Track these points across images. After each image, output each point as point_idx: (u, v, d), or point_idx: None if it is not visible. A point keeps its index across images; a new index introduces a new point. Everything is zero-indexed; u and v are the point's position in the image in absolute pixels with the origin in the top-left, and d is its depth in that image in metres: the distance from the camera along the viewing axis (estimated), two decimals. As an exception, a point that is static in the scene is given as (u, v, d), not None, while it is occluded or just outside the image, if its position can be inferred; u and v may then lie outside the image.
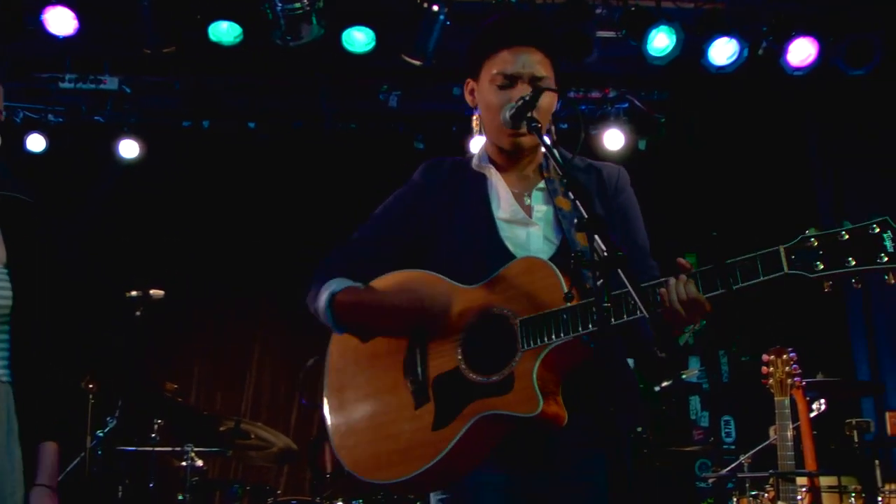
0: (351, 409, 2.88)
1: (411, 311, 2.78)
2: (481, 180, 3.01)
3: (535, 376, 2.58)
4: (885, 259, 2.37)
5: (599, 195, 2.97)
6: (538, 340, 2.62)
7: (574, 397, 2.67)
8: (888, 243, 2.37)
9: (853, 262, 2.40)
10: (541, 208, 2.93)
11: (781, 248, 2.45)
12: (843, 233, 2.42)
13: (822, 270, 2.42)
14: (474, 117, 3.10)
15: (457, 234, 2.92)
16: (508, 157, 2.99)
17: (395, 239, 3.02)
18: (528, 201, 2.95)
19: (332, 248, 3.09)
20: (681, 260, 2.53)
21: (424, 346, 2.81)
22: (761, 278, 2.45)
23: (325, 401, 2.94)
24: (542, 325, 2.63)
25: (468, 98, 3.06)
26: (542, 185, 2.97)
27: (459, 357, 2.73)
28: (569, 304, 2.59)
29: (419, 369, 2.79)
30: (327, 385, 2.96)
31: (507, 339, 2.67)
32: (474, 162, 3.05)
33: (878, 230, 2.39)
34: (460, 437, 2.64)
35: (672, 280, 2.53)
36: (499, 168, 3.01)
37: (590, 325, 2.56)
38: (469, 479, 2.73)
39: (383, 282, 2.91)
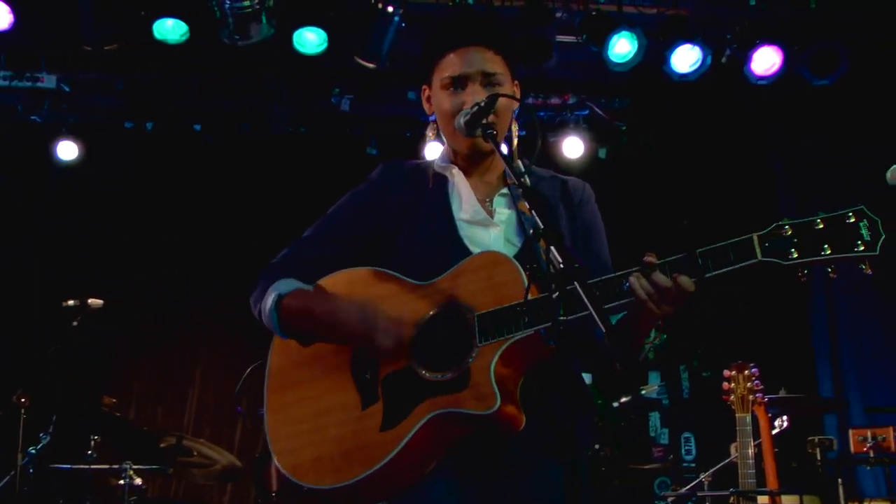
0: (292, 410, 2.81)
1: (360, 323, 2.71)
2: (442, 181, 3.02)
3: (492, 371, 2.55)
4: (862, 247, 2.41)
5: (564, 207, 2.99)
6: (496, 335, 2.59)
7: (531, 402, 2.64)
8: (864, 231, 2.41)
9: (828, 250, 2.44)
10: (503, 211, 2.94)
11: (755, 236, 2.49)
12: (818, 221, 2.46)
13: (797, 258, 2.45)
14: (430, 124, 3.10)
15: (415, 233, 2.91)
16: (469, 161, 3.00)
17: (349, 238, 2.99)
18: (490, 206, 2.96)
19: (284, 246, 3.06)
20: (647, 258, 2.51)
21: None
22: (734, 266, 2.48)
23: (266, 402, 2.87)
24: (501, 319, 2.60)
25: (426, 106, 3.07)
26: (504, 190, 2.98)
27: (412, 355, 2.69)
28: (528, 298, 2.57)
29: (367, 367, 2.74)
30: (268, 386, 2.89)
31: (462, 335, 2.64)
32: (436, 163, 3.06)
33: (853, 219, 2.43)
34: (410, 438, 2.58)
35: (634, 277, 2.51)
36: (461, 170, 3.02)
37: (549, 320, 2.53)
38: (417, 489, 2.68)
39: (332, 281, 2.89)
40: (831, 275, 2.48)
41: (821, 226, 2.46)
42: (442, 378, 2.62)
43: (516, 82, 3.02)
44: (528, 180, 2.86)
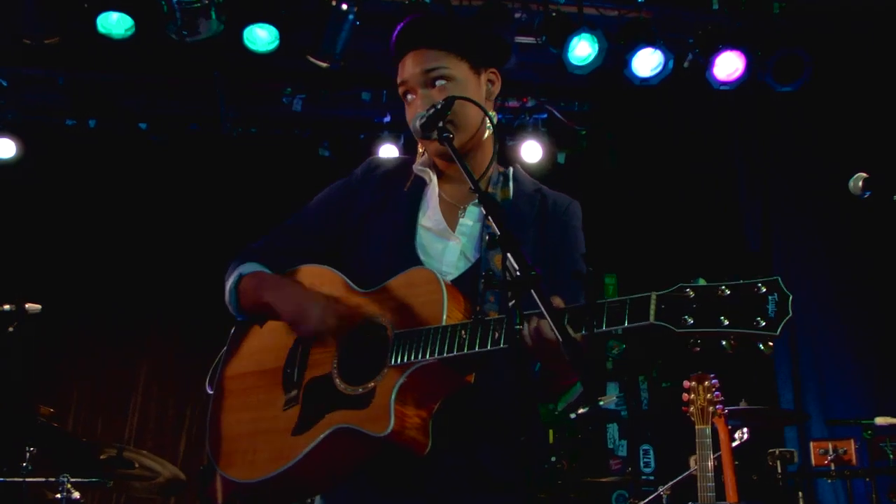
0: (230, 399, 2.94)
1: (304, 295, 2.84)
2: (420, 184, 3.03)
3: (394, 395, 2.56)
4: (763, 324, 2.21)
5: (537, 223, 2.98)
6: (406, 357, 2.60)
7: (454, 431, 2.67)
8: (770, 307, 2.22)
9: (725, 322, 2.24)
10: (467, 223, 2.95)
11: (653, 295, 2.34)
12: (725, 288, 2.27)
13: (690, 326, 2.27)
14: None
15: (378, 234, 2.96)
16: (447, 164, 3.00)
17: (322, 231, 3.07)
18: (461, 214, 2.97)
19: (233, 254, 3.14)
20: (556, 298, 2.47)
21: (308, 346, 2.84)
22: (625, 325, 2.35)
23: (215, 386, 2.99)
24: (413, 341, 2.61)
25: None
26: None
27: (334, 363, 2.74)
28: (445, 324, 2.58)
29: (296, 370, 2.82)
30: (221, 372, 3.01)
31: (380, 351, 2.67)
32: (416, 165, 3.06)
33: (764, 290, 2.24)
34: (312, 448, 2.63)
35: (525, 322, 2.46)
36: (441, 174, 3.03)
37: (455, 350, 2.53)
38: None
39: (291, 274, 3.00)
40: (728, 351, 2.28)
41: (727, 293, 2.26)
42: (352, 392, 2.66)
43: (492, 71, 3.02)
44: (510, 189, 2.94)
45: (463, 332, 2.53)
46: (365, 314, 2.78)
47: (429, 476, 2.70)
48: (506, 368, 2.62)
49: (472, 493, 2.71)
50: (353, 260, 2.96)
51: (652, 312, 2.32)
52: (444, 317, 2.59)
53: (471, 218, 2.96)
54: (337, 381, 2.70)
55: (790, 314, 2.21)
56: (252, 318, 3.00)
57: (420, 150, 3.08)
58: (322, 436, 2.63)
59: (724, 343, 2.28)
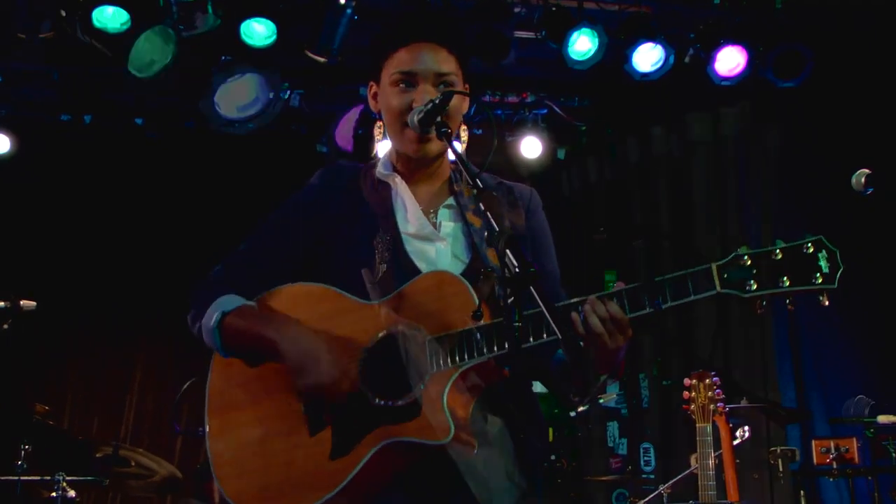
0: (236, 434, 2.78)
1: (309, 339, 2.70)
2: (385, 190, 2.98)
3: (444, 400, 2.54)
4: (820, 280, 2.48)
5: (510, 214, 2.97)
6: (449, 361, 2.59)
7: (480, 426, 2.65)
8: (822, 263, 2.48)
9: (787, 282, 2.50)
10: (449, 224, 2.93)
11: (713, 266, 2.53)
12: (777, 251, 2.52)
13: (756, 290, 2.51)
14: (377, 122, 3.09)
15: (359, 246, 2.88)
16: (414, 166, 2.97)
17: (291, 250, 2.96)
18: (434, 218, 2.94)
19: (219, 261, 3.00)
20: (618, 282, 2.56)
21: None
22: (692, 297, 2.52)
23: (207, 423, 2.83)
24: (453, 344, 2.59)
25: (371, 103, 3.05)
26: (450, 201, 2.97)
27: (359, 379, 2.68)
28: (482, 323, 2.57)
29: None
30: (209, 406, 2.86)
31: (413, 360, 2.63)
32: (378, 169, 3.01)
33: (812, 249, 2.50)
34: (361, 467, 2.58)
35: (591, 298, 2.53)
36: (404, 178, 2.98)
37: (505, 346, 2.53)
38: None
39: (275, 297, 2.86)
40: (789, 307, 2.53)
41: (779, 256, 2.52)
42: (392, 405, 2.61)
43: (467, 85, 3.00)
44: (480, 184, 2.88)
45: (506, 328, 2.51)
46: (383, 325, 2.71)
47: (467, 473, 2.64)
48: (530, 357, 2.65)
49: (508, 478, 2.68)
50: (334, 274, 2.85)
51: (717, 282, 2.52)
52: (480, 315, 2.58)
53: (446, 219, 2.94)
54: (370, 396, 2.64)
55: (842, 267, 2.48)
56: (243, 357, 2.83)
57: (377, 134, 3.06)
58: (370, 453, 2.58)
59: (787, 301, 2.53)
